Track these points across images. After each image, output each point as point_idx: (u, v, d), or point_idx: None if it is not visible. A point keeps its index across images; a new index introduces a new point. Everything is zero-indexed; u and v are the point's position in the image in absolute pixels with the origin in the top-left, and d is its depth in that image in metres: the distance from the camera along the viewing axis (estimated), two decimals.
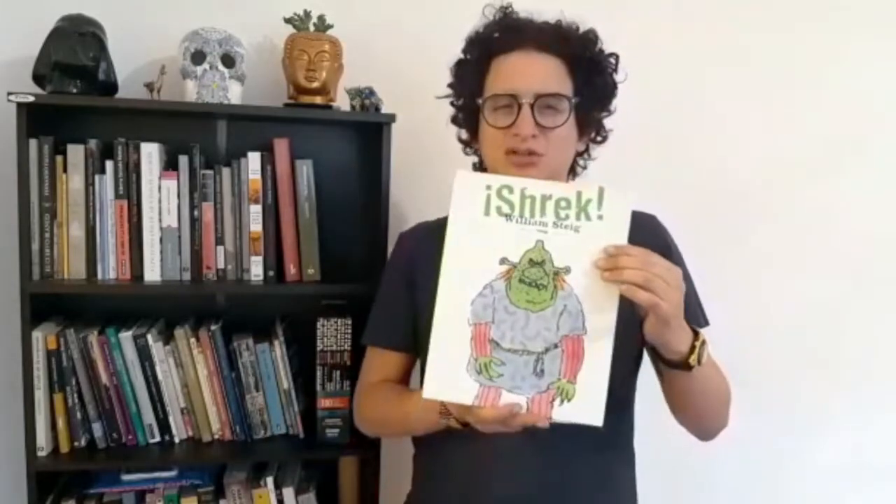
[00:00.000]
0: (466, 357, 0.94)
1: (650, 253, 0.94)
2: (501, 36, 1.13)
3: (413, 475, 1.30)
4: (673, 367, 1.01)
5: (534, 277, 0.94)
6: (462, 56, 1.19)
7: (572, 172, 1.22)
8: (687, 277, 1.16)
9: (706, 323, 1.19)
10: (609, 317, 0.94)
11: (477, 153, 1.23)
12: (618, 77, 1.16)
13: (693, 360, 0.99)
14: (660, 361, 1.03)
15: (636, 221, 1.15)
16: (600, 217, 0.95)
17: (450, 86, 1.22)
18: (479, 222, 0.95)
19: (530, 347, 0.94)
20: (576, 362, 0.94)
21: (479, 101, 1.13)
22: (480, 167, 1.23)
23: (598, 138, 1.21)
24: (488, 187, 0.95)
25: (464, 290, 0.94)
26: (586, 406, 0.93)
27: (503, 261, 0.94)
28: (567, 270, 0.94)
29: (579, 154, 1.20)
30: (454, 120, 1.24)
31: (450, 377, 0.93)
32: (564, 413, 0.93)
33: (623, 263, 0.91)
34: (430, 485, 1.25)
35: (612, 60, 1.16)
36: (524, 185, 0.96)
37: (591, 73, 1.12)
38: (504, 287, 0.94)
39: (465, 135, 1.24)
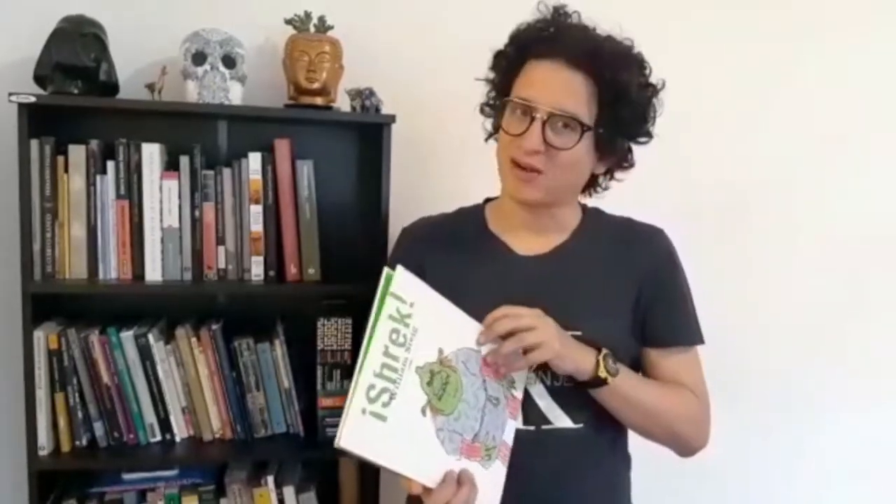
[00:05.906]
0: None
1: (509, 308, 1.01)
2: (540, 40, 1.08)
3: None
4: (593, 387, 1.06)
5: (441, 382, 0.97)
6: (502, 48, 1.14)
7: (591, 189, 1.19)
8: (686, 296, 1.17)
9: (701, 341, 1.17)
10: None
11: None
12: (657, 108, 1.10)
13: (602, 372, 1.03)
14: (582, 387, 1.06)
15: (642, 234, 1.16)
16: (412, 304, 0.97)
17: (487, 78, 1.17)
18: (381, 416, 0.92)
19: (485, 408, 1.01)
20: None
21: (501, 100, 1.10)
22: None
23: (625, 164, 1.15)
24: (364, 411, 0.90)
25: (428, 459, 0.95)
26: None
27: (423, 411, 0.95)
28: (455, 357, 0.99)
29: (602, 174, 1.16)
30: (482, 110, 1.20)
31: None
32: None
33: (497, 330, 1.00)
34: None
35: (650, 91, 1.08)
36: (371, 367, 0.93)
37: (618, 101, 1.04)
38: (434, 416, 0.96)
39: (490, 126, 1.20)
